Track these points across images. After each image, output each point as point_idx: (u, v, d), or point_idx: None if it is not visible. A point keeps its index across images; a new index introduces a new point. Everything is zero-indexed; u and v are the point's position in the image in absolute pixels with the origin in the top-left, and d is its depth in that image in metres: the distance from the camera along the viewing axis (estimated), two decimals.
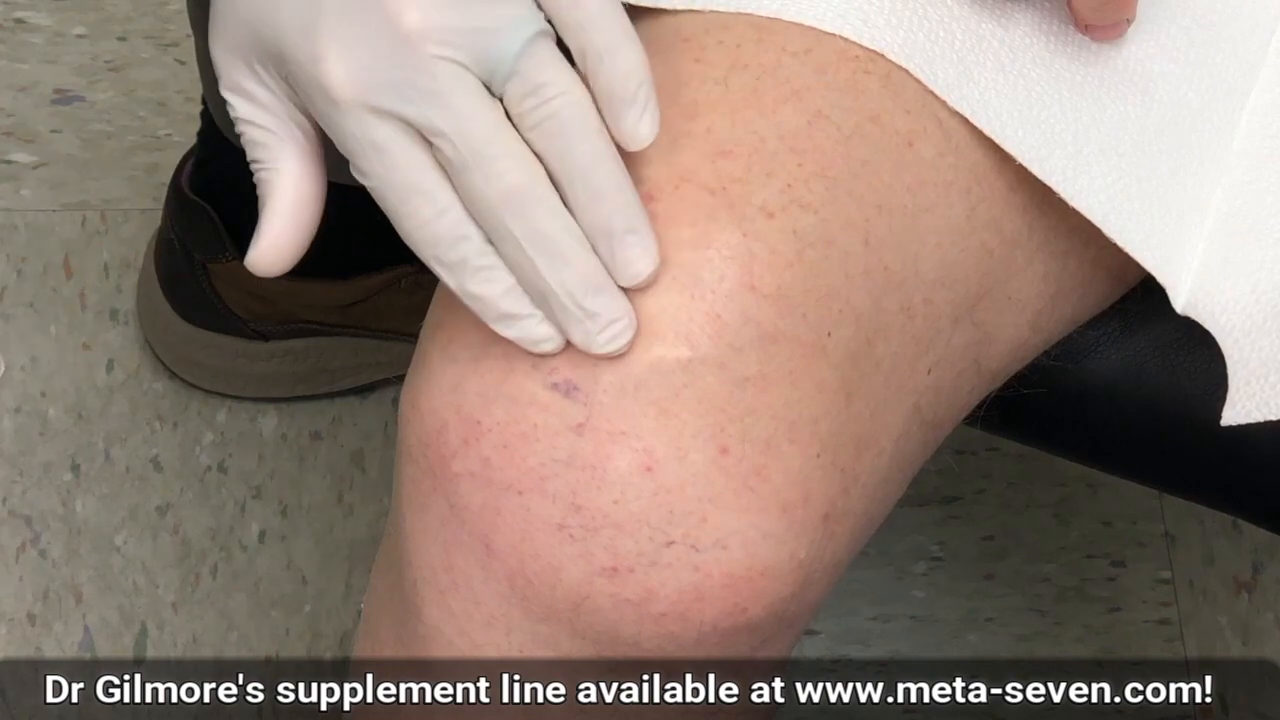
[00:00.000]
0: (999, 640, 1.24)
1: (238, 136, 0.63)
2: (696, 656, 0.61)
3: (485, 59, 0.58)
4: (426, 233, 0.59)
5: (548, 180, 0.59)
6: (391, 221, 0.60)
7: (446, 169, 0.59)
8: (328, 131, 0.60)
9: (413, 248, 0.60)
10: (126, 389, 1.26)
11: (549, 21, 0.59)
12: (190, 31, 1.14)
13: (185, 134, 1.29)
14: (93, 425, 1.25)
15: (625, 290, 0.59)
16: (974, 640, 1.24)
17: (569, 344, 0.60)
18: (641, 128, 0.59)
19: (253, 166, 0.62)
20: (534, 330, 0.60)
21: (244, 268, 1.18)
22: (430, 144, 0.58)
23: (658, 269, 0.59)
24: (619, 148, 0.59)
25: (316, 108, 0.59)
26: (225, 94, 0.61)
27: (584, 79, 0.59)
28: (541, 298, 0.59)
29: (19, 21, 1.37)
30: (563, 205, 0.59)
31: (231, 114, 0.61)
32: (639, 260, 0.59)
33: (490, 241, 0.59)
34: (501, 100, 0.58)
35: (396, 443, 0.65)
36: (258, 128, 0.61)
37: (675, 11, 0.65)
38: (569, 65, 0.59)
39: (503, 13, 0.58)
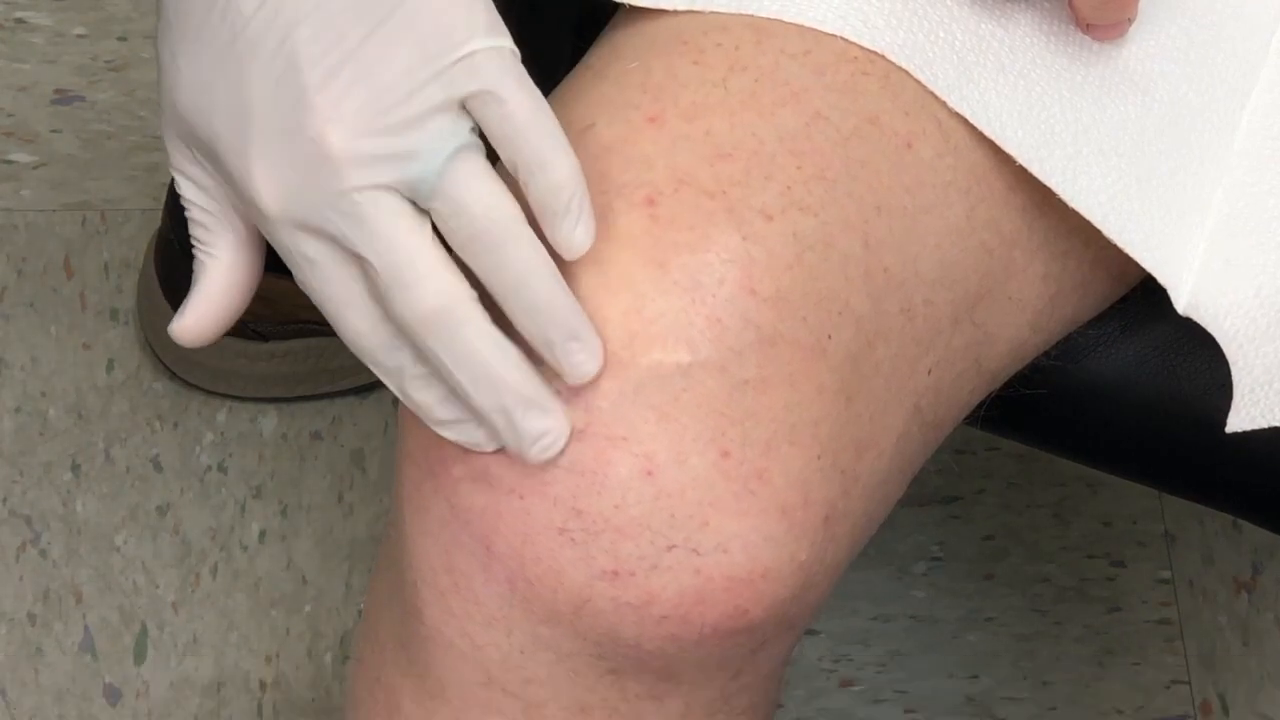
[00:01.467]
0: (999, 640, 1.24)
1: None
2: (697, 658, 0.61)
3: (408, 181, 0.58)
4: (363, 343, 0.60)
5: (473, 300, 0.58)
6: (332, 326, 0.61)
7: (375, 293, 0.59)
8: (265, 236, 0.61)
9: (353, 351, 0.61)
10: (126, 389, 1.26)
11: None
12: None
13: None
14: (93, 425, 1.25)
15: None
16: (974, 640, 1.24)
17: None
18: (576, 237, 0.59)
19: (193, 244, 0.63)
20: (473, 434, 0.60)
21: None
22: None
23: (603, 364, 0.59)
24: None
25: (251, 214, 0.60)
26: (174, 173, 0.63)
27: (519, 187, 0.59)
28: (474, 413, 0.60)
29: (19, 21, 1.37)
30: (490, 324, 0.59)
31: (178, 190, 0.62)
32: (585, 364, 0.59)
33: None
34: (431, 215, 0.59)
35: (397, 444, 0.65)
36: (200, 209, 0.62)
37: (674, 13, 0.65)
38: (495, 176, 0.59)
39: (422, 135, 0.58)
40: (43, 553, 1.21)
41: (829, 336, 0.61)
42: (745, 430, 0.59)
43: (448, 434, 0.60)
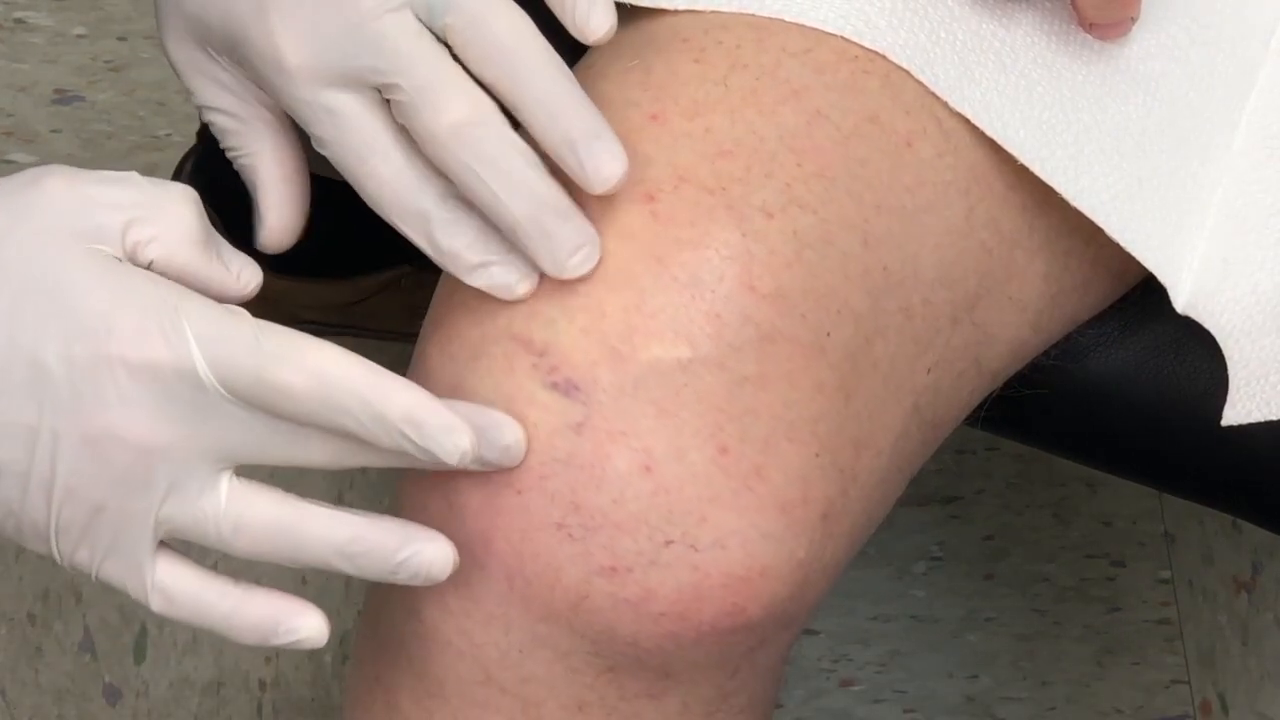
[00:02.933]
0: (999, 640, 1.24)
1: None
2: (695, 656, 0.61)
3: (424, 4, 0.59)
4: (386, 191, 0.60)
5: (496, 110, 0.59)
6: (353, 185, 0.61)
7: (403, 119, 0.59)
8: (284, 106, 0.61)
9: (376, 209, 0.61)
10: None
11: None
12: None
13: (185, 134, 1.29)
14: None
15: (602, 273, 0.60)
16: (974, 640, 1.24)
17: (565, 341, 0.60)
18: (594, 16, 0.60)
19: (230, 155, 0.63)
20: (503, 277, 0.60)
21: None
22: (387, 106, 0.59)
23: (627, 171, 0.60)
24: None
25: (271, 84, 0.60)
26: (188, 83, 0.63)
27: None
28: (509, 229, 0.60)
29: (19, 21, 1.36)
30: (514, 132, 0.59)
31: (196, 102, 0.62)
32: (608, 164, 0.60)
33: (451, 197, 0.60)
34: (447, 44, 0.59)
35: None
36: (225, 115, 0.63)
37: (675, 12, 0.65)
38: None
39: None
40: None
41: (828, 334, 0.61)
42: (744, 427, 0.59)
43: (478, 280, 0.61)
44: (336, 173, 0.64)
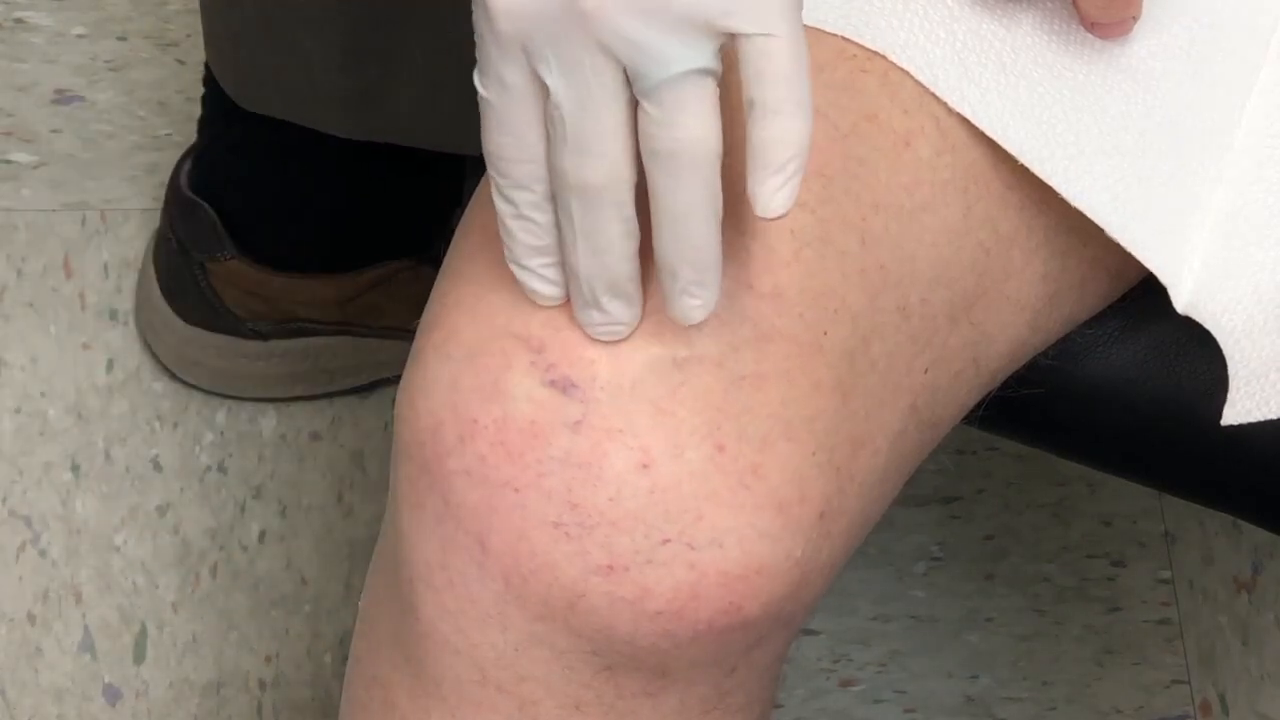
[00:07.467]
0: (999, 640, 1.24)
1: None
2: (692, 655, 0.61)
3: (636, 67, 0.56)
4: (499, 164, 0.58)
5: (630, 184, 0.58)
6: (481, 133, 0.59)
7: (549, 129, 0.57)
8: (476, 32, 0.58)
9: (486, 162, 0.59)
10: (126, 389, 1.26)
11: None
12: (191, 31, 1.13)
13: (185, 134, 1.29)
14: (93, 425, 1.25)
15: None
16: (974, 640, 1.24)
17: (563, 338, 0.60)
18: (777, 199, 0.57)
19: None
20: (541, 288, 0.60)
21: (241, 266, 1.18)
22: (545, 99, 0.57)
23: (710, 315, 0.59)
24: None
25: (475, 18, 0.57)
26: None
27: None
28: (568, 271, 0.59)
29: (19, 21, 1.36)
30: (632, 210, 0.58)
31: None
32: (694, 312, 0.58)
33: (546, 201, 0.59)
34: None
35: (392, 440, 0.65)
36: None
37: None
38: (716, 112, 0.57)
39: (670, 39, 0.56)
40: (42, 553, 1.21)
41: (825, 333, 0.61)
42: (741, 425, 0.59)
43: (520, 275, 0.60)
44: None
